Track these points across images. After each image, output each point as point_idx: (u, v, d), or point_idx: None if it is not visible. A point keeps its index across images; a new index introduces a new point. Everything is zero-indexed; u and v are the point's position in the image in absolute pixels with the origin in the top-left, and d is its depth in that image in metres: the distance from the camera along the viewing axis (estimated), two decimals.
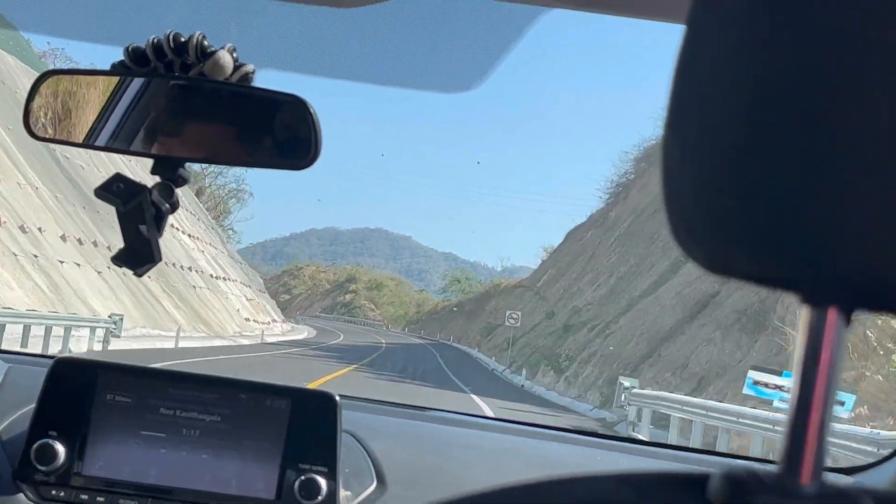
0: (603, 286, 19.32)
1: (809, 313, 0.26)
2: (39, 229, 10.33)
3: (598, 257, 22.23)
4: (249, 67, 0.72)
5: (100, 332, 10.21)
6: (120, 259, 0.70)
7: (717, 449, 4.93)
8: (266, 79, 0.72)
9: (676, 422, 7.17)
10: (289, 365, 12.49)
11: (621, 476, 0.29)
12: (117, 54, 0.73)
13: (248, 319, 20.30)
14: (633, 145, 41.29)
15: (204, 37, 0.70)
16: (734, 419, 5.36)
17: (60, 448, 0.74)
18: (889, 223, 0.22)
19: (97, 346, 9.65)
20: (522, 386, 16.18)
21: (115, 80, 0.69)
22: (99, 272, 12.19)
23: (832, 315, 0.25)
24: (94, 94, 0.71)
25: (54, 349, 7.84)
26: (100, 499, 0.74)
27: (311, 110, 0.69)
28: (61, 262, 10.86)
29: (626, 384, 9.78)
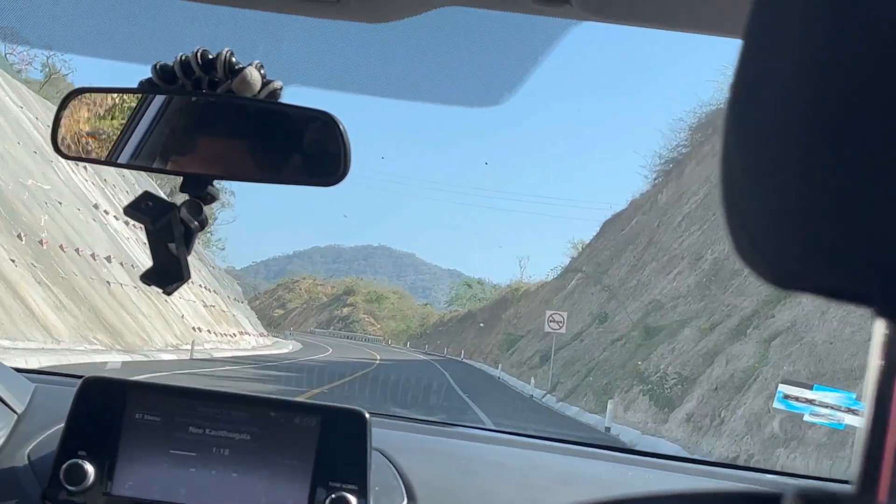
0: (687, 274, 14.18)
1: (884, 328, 0.25)
2: None
3: (660, 242, 17.50)
4: (277, 84, 0.72)
5: None
6: (149, 277, 0.71)
7: None
8: (292, 95, 0.73)
9: None
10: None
11: (693, 496, 0.28)
12: (144, 72, 0.74)
13: (198, 329, 16.49)
14: (687, 111, 33.83)
15: (232, 53, 0.70)
16: None
17: (90, 468, 0.75)
18: None
19: None
20: (608, 429, 9.06)
21: (143, 97, 0.70)
22: None
23: None
24: (123, 112, 0.71)
25: None
26: None
27: (341, 126, 0.69)
28: None
29: None
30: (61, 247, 11.82)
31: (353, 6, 0.67)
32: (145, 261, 0.76)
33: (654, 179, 21.71)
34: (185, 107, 0.70)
